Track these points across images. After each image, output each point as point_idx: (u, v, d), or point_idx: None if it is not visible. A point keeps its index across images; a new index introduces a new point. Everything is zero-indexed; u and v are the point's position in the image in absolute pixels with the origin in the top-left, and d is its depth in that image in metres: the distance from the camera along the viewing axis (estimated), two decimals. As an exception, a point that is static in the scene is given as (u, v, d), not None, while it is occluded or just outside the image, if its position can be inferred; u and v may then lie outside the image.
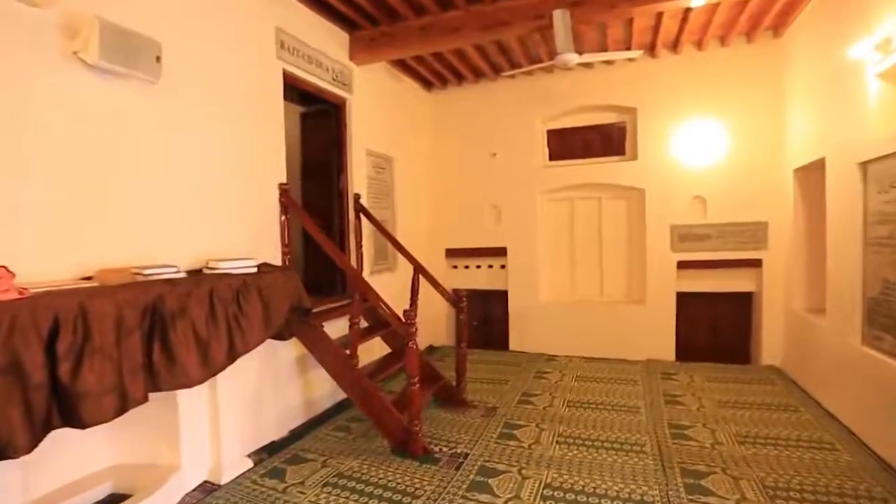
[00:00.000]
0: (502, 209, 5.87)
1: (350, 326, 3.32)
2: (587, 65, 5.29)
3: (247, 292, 2.72)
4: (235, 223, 3.13)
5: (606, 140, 5.56)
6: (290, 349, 3.58)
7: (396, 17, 4.13)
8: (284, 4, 3.57)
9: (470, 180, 6.00)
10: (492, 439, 3.38)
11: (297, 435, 3.55)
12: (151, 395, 2.26)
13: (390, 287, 5.00)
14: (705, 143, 4.96)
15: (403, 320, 3.11)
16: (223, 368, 2.57)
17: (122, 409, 2.05)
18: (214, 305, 2.52)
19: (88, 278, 2.22)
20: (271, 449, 3.30)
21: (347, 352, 3.33)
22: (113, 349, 2.02)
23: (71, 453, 2.51)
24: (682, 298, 5.19)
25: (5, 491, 2.16)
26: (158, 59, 2.39)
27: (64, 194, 2.19)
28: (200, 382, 2.44)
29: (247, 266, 2.82)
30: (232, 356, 2.63)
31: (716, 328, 5.20)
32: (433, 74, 5.65)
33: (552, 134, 5.78)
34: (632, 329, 5.31)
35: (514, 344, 5.86)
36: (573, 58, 3.90)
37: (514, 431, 3.49)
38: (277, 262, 3.48)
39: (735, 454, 3.04)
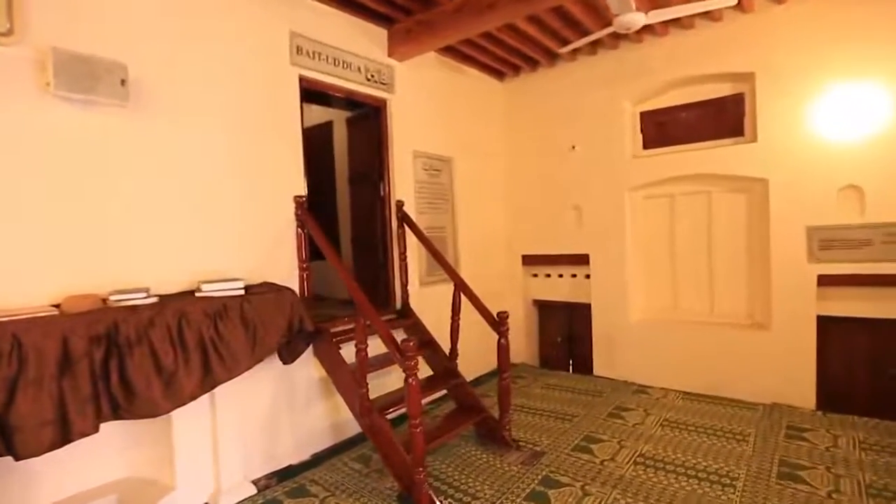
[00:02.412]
0: (583, 210, 5.02)
1: (357, 352, 3.01)
2: (684, 24, 4.21)
3: (226, 316, 2.58)
4: (241, 241, 3.04)
5: (718, 118, 4.37)
6: (311, 369, 3.41)
7: (430, 3, 3.70)
8: (301, 7, 3.39)
9: (547, 178, 5.27)
10: (517, 500, 2.77)
11: (319, 459, 3.37)
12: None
13: (449, 299, 4.59)
14: (861, 112, 3.55)
15: (403, 350, 2.69)
16: (195, 397, 2.46)
17: (62, 441, 2.02)
18: (183, 332, 2.41)
19: (57, 305, 2.26)
20: (285, 474, 3.17)
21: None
22: (52, 380, 2.00)
23: (84, 462, 2.61)
24: (827, 324, 3.82)
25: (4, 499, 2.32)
26: (123, 82, 2.35)
27: (39, 221, 2.25)
28: (167, 412, 2.35)
29: (230, 288, 2.68)
30: (208, 384, 2.51)
31: (882, 369, 3.72)
32: (499, 62, 5.06)
33: (647, 117, 4.76)
34: (752, 361, 4.09)
35: (598, 368, 4.99)
36: (637, 18, 3.04)
37: (550, 492, 2.83)
38: (294, 279, 3.33)
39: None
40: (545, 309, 5.59)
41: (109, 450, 2.70)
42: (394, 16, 3.87)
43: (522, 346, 5.51)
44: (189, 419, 2.75)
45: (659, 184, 4.65)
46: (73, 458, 2.50)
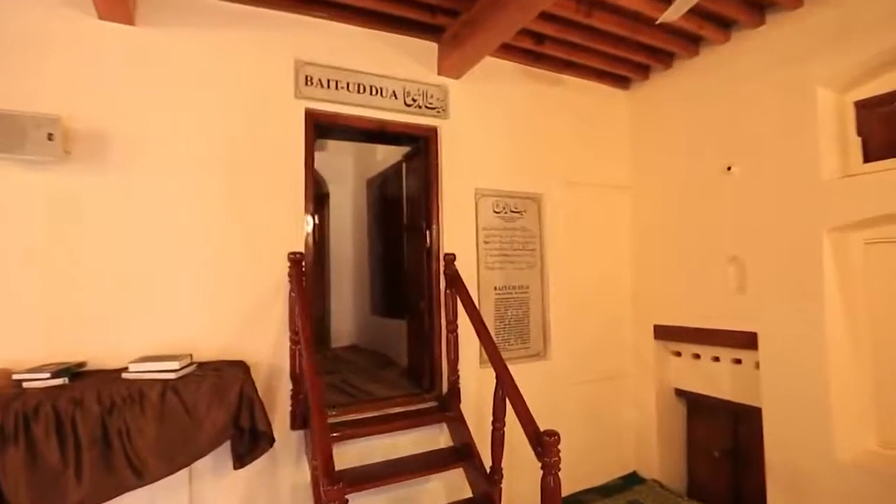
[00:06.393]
0: (747, 264, 3.24)
1: (311, 471, 2.20)
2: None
3: (136, 406, 2.09)
4: (210, 307, 2.57)
5: None
6: (302, 469, 2.71)
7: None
8: (312, 29, 2.88)
9: (690, 215, 3.63)
10: None
11: (306, 588, 2.62)
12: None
13: (530, 384, 3.39)
14: None
15: (326, 496, 1.77)
16: (88, 508, 2.01)
17: None
18: (76, 424, 1.99)
19: (-29, 381, 2.08)
20: None
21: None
22: None
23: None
24: None
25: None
26: (51, 136, 2.13)
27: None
28: (42, 526, 1.94)
29: (160, 369, 2.18)
30: (109, 490, 2.01)
31: None
32: (616, 63, 3.74)
33: (869, 108, 2.84)
34: None
35: (779, 520, 3.04)
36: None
37: None
38: (283, 355, 2.72)
39: None
40: (696, 405, 3.81)
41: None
42: (440, 22, 3.09)
43: (654, 455, 3.82)
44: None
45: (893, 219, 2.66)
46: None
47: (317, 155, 5.22)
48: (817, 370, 2.86)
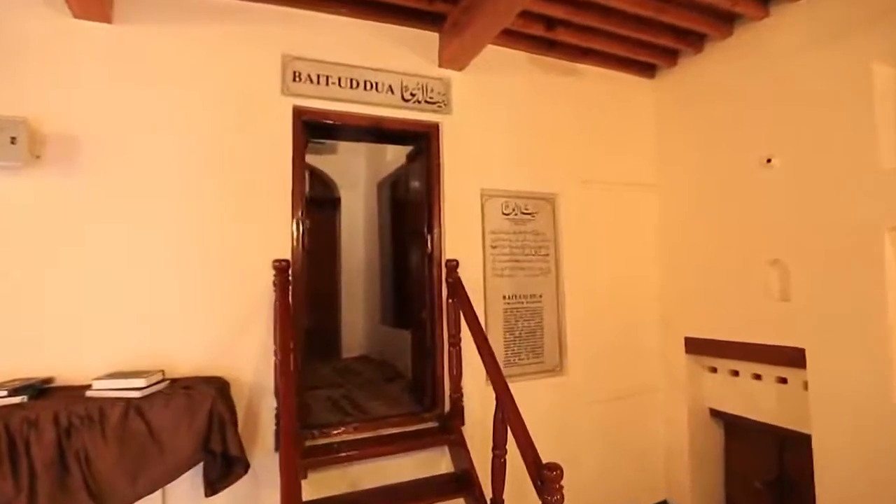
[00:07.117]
0: (791, 269, 2.83)
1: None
2: None
3: (95, 427, 1.93)
4: (192, 319, 2.41)
5: None
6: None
7: (468, -22, 2.58)
8: (302, 22, 2.71)
9: (724, 214, 3.24)
10: None
11: None
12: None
13: (544, 402, 3.13)
14: None
15: None
16: (40, 540, 1.86)
17: None
18: (30, 446, 1.86)
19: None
20: None
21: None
22: None
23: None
24: None
25: None
26: (14, 139, 2.02)
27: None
28: (-9, 558, 1.81)
29: (124, 386, 2.03)
30: (66, 521, 1.88)
31: None
32: (640, 48, 3.40)
33: (938, 86, 2.41)
34: None
35: (835, 570, 2.60)
36: None
37: None
38: (268, 367, 2.53)
39: None
40: (735, 428, 3.39)
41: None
42: (435, 10, 2.86)
43: (687, 482, 3.41)
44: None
45: (975, 216, 2.22)
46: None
47: (327, 158, 5.19)
48: (879, 393, 2.43)
